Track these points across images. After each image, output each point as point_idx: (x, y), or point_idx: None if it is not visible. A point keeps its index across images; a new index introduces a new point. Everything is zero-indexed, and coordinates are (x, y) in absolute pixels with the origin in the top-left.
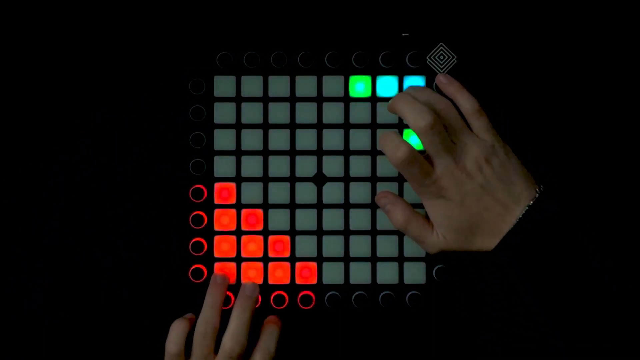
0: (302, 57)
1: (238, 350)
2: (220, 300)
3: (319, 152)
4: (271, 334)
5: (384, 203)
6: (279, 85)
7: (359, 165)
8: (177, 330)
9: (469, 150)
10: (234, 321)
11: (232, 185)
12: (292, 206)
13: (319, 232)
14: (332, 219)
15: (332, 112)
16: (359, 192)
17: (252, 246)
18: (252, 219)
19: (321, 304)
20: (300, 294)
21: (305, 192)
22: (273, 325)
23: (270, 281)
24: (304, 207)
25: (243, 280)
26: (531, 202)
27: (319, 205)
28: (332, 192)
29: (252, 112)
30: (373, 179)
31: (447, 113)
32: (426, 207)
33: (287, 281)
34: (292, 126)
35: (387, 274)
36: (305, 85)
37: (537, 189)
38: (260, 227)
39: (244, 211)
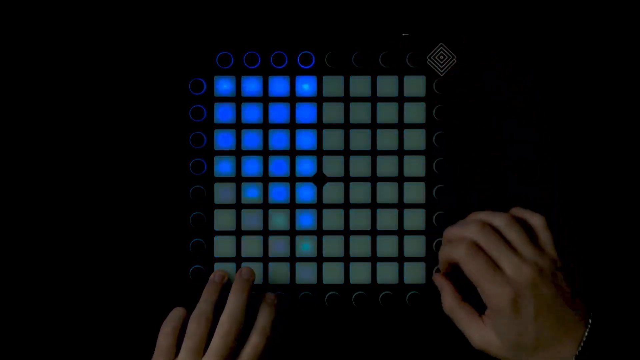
0: (302, 57)
1: (235, 330)
2: (216, 297)
3: (319, 152)
4: (267, 314)
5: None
6: (279, 85)
7: (359, 165)
8: (175, 313)
9: (539, 260)
10: (231, 302)
11: (232, 185)
12: (292, 206)
13: (319, 232)
14: (332, 219)
15: (333, 112)
16: (359, 192)
17: (252, 246)
18: (252, 218)
19: (321, 304)
20: (301, 294)
21: (305, 192)
22: (268, 305)
23: (271, 281)
24: (304, 207)
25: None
26: (590, 321)
27: (319, 205)
28: (332, 192)
29: (252, 112)
30: (373, 179)
31: (513, 225)
32: (490, 319)
33: (287, 281)
34: (292, 126)
35: (387, 274)
36: (305, 85)
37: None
38: (260, 227)
39: (244, 211)
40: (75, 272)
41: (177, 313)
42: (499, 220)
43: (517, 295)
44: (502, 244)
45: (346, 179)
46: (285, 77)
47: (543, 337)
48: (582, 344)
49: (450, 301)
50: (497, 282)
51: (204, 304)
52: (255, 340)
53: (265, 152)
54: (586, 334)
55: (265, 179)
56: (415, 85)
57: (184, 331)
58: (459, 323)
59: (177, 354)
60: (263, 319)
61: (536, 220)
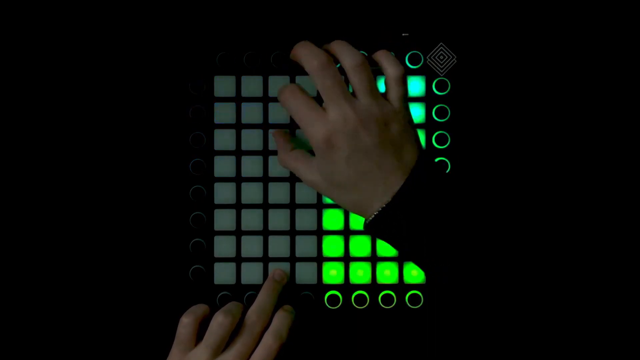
0: None
1: (260, 326)
2: (242, 306)
3: None
4: (284, 319)
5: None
6: (279, 85)
7: None
8: (197, 308)
9: (372, 110)
10: (261, 298)
11: (232, 185)
12: (292, 206)
13: (319, 232)
14: (332, 219)
15: None
16: None
17: (252, 246)
18: (252, 219)
19: (321, 304)
20: (301, 294)
21: (305, 192)
22: (286, 312)
23: None
24: (304, 207)
25: (243, 281)
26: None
27: (319, 205)
28: None
29: (252, 112)
30: None
31: (360, 70)
32: (316, 158)
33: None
34: (292, 126)
35: (387, 273)
36: (305, 85)
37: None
38: (260, 227)
39: (244, 211)
40: (76, 272)
41: (203, 307)
42: (349, 61)
43: (330, 136)
44: (337, 89)
45: None
46: (285, 77)
47: (357, 179)
48: (394, 194)
49: (282, 155)
50: (313, 122)
51: (233, 305)
52: (269, 342)
53: (265, 152)
54: (400, 186)
55: (265, 179)
56: (415, 85)
57: (204, 325)
58: (293, 169)
59: (196, 344)
60: (280, 322)
61: (391, 72)
